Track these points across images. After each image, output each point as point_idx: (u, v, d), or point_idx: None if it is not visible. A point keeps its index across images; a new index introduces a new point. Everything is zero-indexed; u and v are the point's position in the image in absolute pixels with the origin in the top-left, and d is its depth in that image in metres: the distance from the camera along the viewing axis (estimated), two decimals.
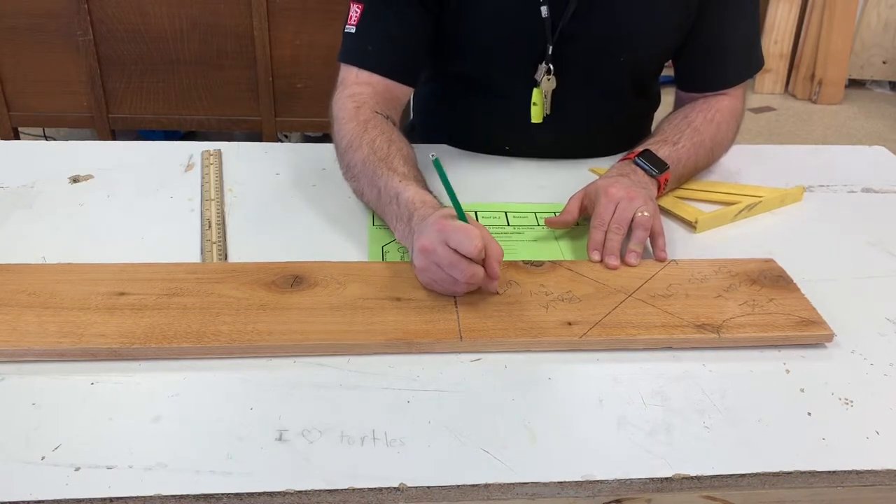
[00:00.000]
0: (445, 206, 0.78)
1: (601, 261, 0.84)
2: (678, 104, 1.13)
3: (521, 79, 1.04)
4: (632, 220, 0.85)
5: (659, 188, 0.95)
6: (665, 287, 0.80)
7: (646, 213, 0.85)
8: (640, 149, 0.98)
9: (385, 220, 0.86)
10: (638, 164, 0.95)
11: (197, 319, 0.72)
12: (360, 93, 0.96)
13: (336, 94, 0.98)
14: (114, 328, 0.70)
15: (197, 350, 0.69)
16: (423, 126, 1.23)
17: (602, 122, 1.11)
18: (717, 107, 1.06)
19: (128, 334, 0.69)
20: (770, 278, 0.82)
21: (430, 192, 0.83)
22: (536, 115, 1.05)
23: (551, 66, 1.01)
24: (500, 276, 0.77)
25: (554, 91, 1.04)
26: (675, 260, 0.85)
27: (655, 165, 0.95)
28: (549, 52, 1.00)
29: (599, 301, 0.78)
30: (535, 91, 1.03)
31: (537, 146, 1.11)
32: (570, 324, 0.74)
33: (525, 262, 0.83)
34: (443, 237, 0.72)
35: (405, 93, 1.01)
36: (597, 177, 1.06)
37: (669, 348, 0.73)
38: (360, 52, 0.98)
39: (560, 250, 0.89)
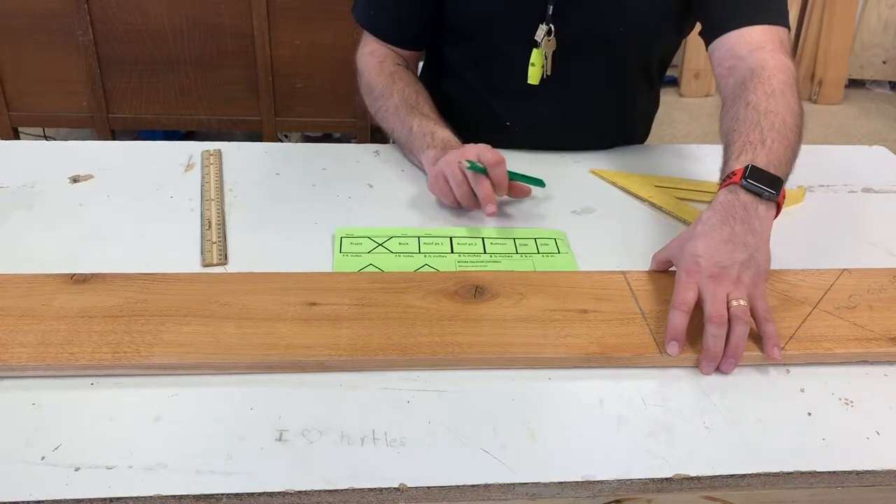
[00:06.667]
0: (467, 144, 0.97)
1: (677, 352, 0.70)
2: (718, 74, 0.98)
3: (520, 41, 1.03)
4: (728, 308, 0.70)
5: (778, 211, 0.78)
6: (847, 298, 0.78)
7: (741, 303, 0.70)
8: (736, 165, 0.79)
9: (413, 150, 1.03)
10: (748, 188, 0.76)
11: (396, 331, 0.71)
12: (377, 49, 1.11)
13: (359, 48, 1.13)
14: (316, 339, 0.69)
15: (401, 362, 0.68)
16: None
17: (602, 99, 1.11)
18: (767, 73, 0.90)
19: (332, 346, 0.69)
20: None
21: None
22: (534, 76, 1.05)
23: (552, 27, 1.01)
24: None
25: (554, 54, 1.03)
26: (847, 269, 0.83)
27: (768, 184, 0.76)
28: (550, 13, 1.00)
29: (787, 313, 0.76)
30: (535, 51, 1.03)
31: (538, 118, 1.10)
32: None
33: None
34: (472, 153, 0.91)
35: (413, 54, 1.13)
36: (599, 179, 1.06)
37: (865, 362, 0.72)
38: (367, 14, 1.11)
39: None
